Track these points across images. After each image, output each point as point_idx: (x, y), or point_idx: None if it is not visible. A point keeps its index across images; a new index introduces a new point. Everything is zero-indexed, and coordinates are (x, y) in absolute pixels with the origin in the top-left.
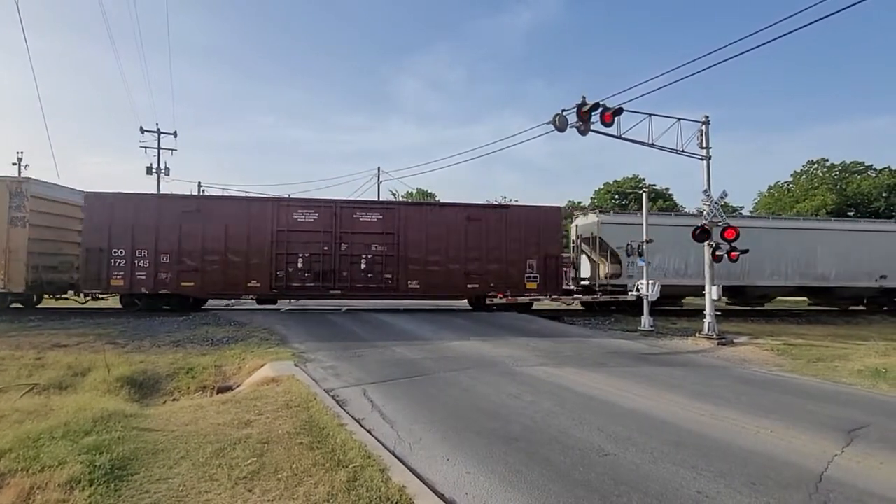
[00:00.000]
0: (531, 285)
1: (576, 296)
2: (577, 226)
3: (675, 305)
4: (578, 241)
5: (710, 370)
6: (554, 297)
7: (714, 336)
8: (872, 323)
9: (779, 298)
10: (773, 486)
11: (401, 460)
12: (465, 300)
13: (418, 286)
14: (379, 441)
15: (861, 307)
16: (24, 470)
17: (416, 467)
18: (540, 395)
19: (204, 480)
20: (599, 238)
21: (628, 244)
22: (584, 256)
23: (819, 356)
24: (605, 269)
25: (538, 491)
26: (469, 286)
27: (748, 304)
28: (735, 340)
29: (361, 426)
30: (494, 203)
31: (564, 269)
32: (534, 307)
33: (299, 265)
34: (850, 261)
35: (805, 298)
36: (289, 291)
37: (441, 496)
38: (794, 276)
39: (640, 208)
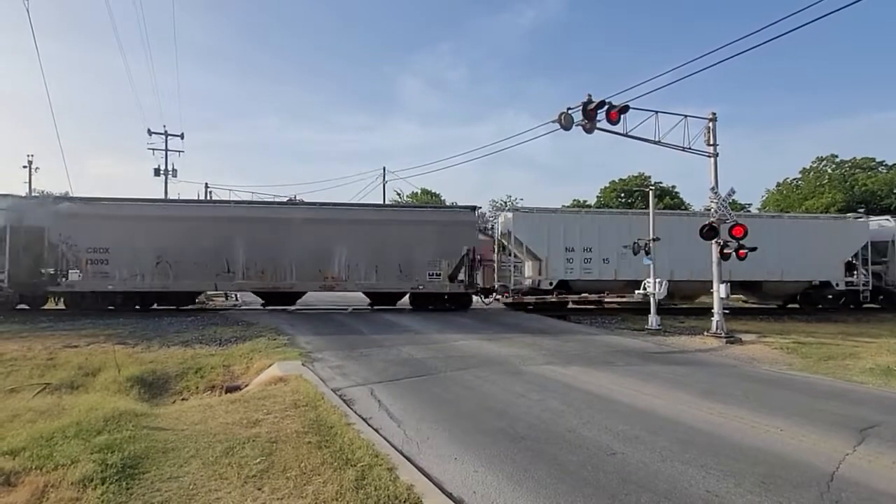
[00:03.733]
0: None
1: None
2: None
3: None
4: None
5: (718, 369)
6: None
7: (722, 334)
8: (884, 321)
9: None
10: (783, 486)
11: (408, 459)
12: None
13: None
14: (386, 440)
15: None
16: (38, 468)
17: (424, 466)
18: (547, 393)
19: (214, 479)
20: None
21: (634, 242)
22: None
23: (829, 354)
24: None
25: (546, 489)
26: None
27: None
28: (744, 339)
29: (369, 425)
30: None
31: None
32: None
33: None
34: None
35: None
36: None
37: (449, 495)
38: None
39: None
